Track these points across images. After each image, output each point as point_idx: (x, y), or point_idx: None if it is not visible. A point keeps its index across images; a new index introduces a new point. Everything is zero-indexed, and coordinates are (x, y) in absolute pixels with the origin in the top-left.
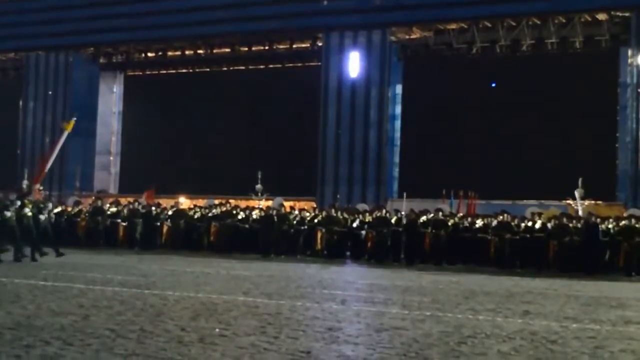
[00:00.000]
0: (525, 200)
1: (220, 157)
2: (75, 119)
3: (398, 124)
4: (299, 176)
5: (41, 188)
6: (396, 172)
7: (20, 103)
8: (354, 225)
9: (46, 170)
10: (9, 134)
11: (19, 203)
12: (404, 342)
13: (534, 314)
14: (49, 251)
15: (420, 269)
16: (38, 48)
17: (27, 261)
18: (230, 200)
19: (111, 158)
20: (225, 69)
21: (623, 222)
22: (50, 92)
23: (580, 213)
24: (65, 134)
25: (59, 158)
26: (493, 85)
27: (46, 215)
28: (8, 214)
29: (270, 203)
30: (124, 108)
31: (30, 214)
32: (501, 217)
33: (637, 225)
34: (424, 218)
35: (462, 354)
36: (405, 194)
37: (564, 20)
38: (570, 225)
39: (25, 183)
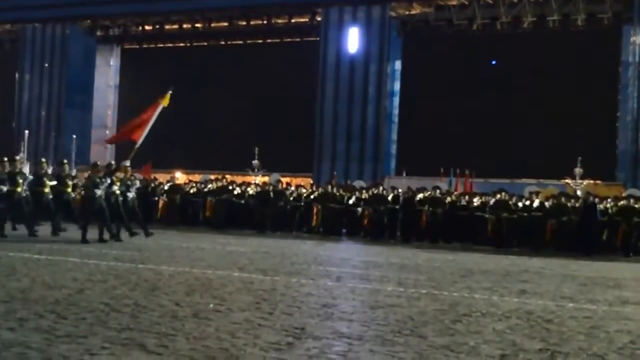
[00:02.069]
0: (523, 179)
1: (217, 132)
2: (171, 91)
3: (397, 100)
4: (296, 152)
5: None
6: (394, 149)
7: (16, 75)
8: (351, 202)
9: (137, 146)
10: (4, 106)
11: (108, 181)
12: (399, 319)
13: (530, 293)
14: (139, 231)
15: (416, 247)
16: (34, 20)
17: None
18: (227, 176)
19: (107, 132)
20: (223, 43)
21: (622, 202)
22: (46, 65)
23: (578, 192)
24: (160, 107)
25: (56, 131)
26: (493, 62)
27: (134, 194)
28: (98, 192)
29: (266, 179)
30: (120, 81)
31: (118, 192)
32: (499, 195)
33: (635, 206)
34: (420, 196)
35: (457, 332)
36: (405, 172)
37: None
38: (569, 204)
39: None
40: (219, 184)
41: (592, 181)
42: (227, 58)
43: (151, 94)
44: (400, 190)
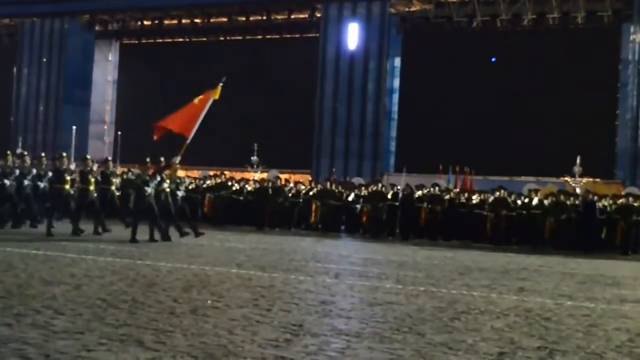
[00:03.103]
0: (523, 177)
1: (216, 128)
2: (222, 83)
3: (396, 97)
4: (295, 149)
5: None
6: (393, 146)
7: (15, 70)
8: (350, 199)
9: (188, 141)
10: (2, 101)
11: (158, 178)
12: (397, 316)
13: (529, 290)
14: (189, 231)
15: (415, 244)
16: (33, 14)
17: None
18: (225, 172)
19: (105, 127)
20: (222, 38)
21: (621, 201)
22: (44, 59)
23: (577, 190)
24: (211, 100)
25: (53, 126)
26: (493, 60)
27: (183, 192)
28: (148, 189)
29: (265, 175)
30: (119, 77)
31: (168, 189)
32: (498, 193)
33: (634, 204)
34: (420, 193)
35: (455, 329)
36: (405, 169)
37: None
38: (568, 202)
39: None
40: (218, 180)
41: (591, 179)
42: (227, 53)
43: (150, 88)
44: (398, 187)
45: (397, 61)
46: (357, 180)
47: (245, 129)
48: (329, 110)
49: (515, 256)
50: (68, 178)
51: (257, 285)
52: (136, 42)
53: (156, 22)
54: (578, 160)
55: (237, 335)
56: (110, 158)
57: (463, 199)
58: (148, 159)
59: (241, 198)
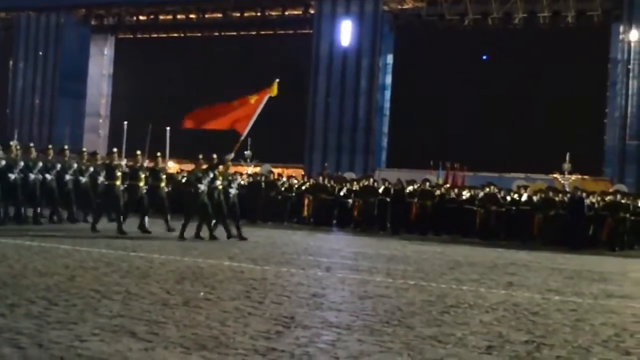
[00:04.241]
0: (512, 173)
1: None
2: (278, 80)
3: (388, 93)
4: (288, 143)
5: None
6: (385, 141)
7: (10, 63)
8: (341, 193)
9: (242, 138)
10: None
11: (211, 175)
12: (387, 310)
13: (517, 285)
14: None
15: (405, 239)
16: (29, 8)
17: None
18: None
19: (100, 120)
20: (216, 34)
21: (609, 198)
22: (40, 53)
23: (566, 187)
24: (267, 97)
25: (48, 119)
26: (484, 58)
27: (236, 189)
28: (202, 187)
29: (258, 169)
30: (114, 71)
31: (221, 187)
32: (488, 189)
33: (622, 201)
34: (410, 188)
35: (444, 323)
36: (395, 163)
37: None
38: (556, 199)
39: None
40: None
41: (580, 176)
42: (221, 49)
43: (145, 82)
44: (388, 182)
45: (390, 58)
46: (349, 175)
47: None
48: (322, 105)
49: (504, 251)
50: (119, 174)
51: (249, 277)
52: (131, 36)
53: (151, 17)
54: (567, 158)
55: (229, 326)
56: (159, 154)
57: (453, 195)
58: (200, 156)
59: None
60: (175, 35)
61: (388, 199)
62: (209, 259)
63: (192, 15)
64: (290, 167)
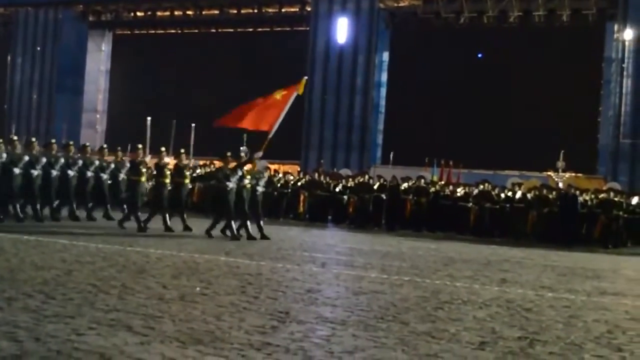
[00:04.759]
0: (507, 171)
1: (205, 118)
2: (306, 77)
3: (383, 91)
4: (284, 140)
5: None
6: (380, 139)
7: (9, 58)
8: (337, 189)
9: (270, 135)
10: None
11: (239, 173)
12: (382, 305)
13: (511, 282)
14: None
15: (400, 235)
16: (27, 4)
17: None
18: (215, 162)
19: (98, 116)
20: (213, 30)
21: (602, 195)
22: (38, 49)
23: (560, 185)
24: (294, 95)
25: (46, 114)
26: (479, 56)
27: (263, 188)
28: (230, 185)
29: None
30: (111, 66)
31: (249, 185)
32: (482, 186)
33: (615, 199)
34: (405, 185)
35: (438, 318)
36: (391, 159)
37: None
38: (550, 196)
39: (244, 150)
40: (207, 169)
41: (573, 174)
42: (218, 45)
43: (142, 78)
44: (383, 179)
45: (385, 55)
46: (344, 171)
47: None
48: (318, 102)
49: (498, 248)
50: (144, 170)
51: (245, 273)
52: (129, 32)
53: (149, 13)
54: (561, 156)
55: (224, 321)
56: (183, 150)
57: (448, 192)
58: (229, 153)
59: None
60: (173, 31)
61: (383, 196)
62: (205, 254)
63: (189, 12)
64: (286, 164)
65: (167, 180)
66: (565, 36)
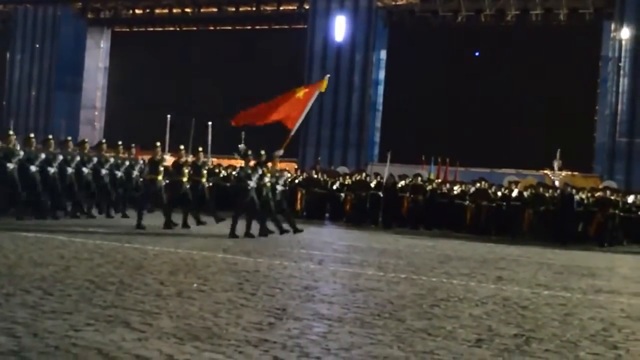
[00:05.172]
0: (503, 169)
1: (203, 116)
2: (328, 75)
3: (381, 89)
4: (281, 137)
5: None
6: (377, 136)
7: (8, 55)
8: (334, 187)
9: (292, 133)
10: None
11: (260, 172)
12: (378, 302)
13: (507, 280)
14: (288, 228)
15: (397, 233)
16: (26, 1)
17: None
18: (213, 159)
19: (96, 113)
20: (211, 28)
21: (598, 194)
22: (37, 45)
23: (556, 183)
24: (317, 93)
25: (44, 111)
26: (477, 54)
27: (283, 186)
28: (251, 183)
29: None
30: (110, 64)
31: (269, 184)
32: (479, 184)
33: (611, 197)
34: (402, 183)
35: (434, 316)
36: (389, 157)
37: None
38: (547, 194)
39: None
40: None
41: (570, 172)
42: (216, 43)
43: (141, 76)
44: (380, 176)
45: (383, 53)
46: (341, 169)
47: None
48: (316, 100)
49: (494, 246)
50: (161, 169)
51: (242, 269)
52: (127, 30)
53: (147, 10)
54: (558, 154)
55: (221, 318)
56: (201, 149)
57: (444, 190)
58: (249, 152)
59: (228, 184)
60: (171, 29)
61: (380, 193)
62: (203, 250)
63: (187, 10)
64: (283, 161)
65: (185, 179)
66: (562, 35)
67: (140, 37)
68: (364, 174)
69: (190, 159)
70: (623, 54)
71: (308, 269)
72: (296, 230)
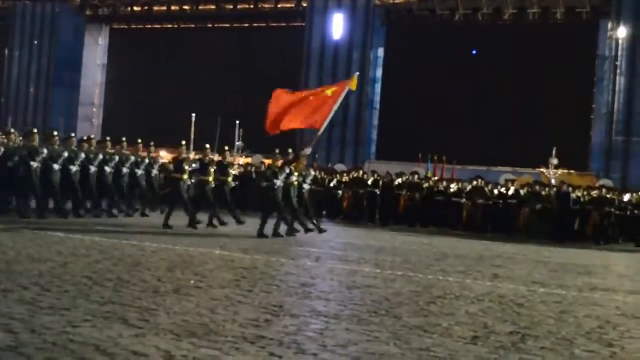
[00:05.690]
0: (500, 167)
1: (201, 113)
2: (358, 73)
3: (378, 87)
4: (280, 135)
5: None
6: (375, 134)
7: (6, 51)
8: (332, 185)
9: (320, 133)
10: None
11: (287, 171)
12: (375, 300)
13: (503, 277)
14: (312, 227)
15: (394, 230)
16: None
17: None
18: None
19: (94, 110)
20: (210, 26)
21: (594, 192)
22: (36, 42)
23: (553, 182)
24: (346, 91)
25: (43, 108)
26: (474, 52)
27: (309, 185)
28: (278, 182)
29: (250, 160)
30: (108, 61)
31: (296, 183)
32: (475, 182)
33: (607, 196)
34: (399, 181)
35: (431, 313)
36: (384, 156)
37: None
38: (543, 193)
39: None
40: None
41: (566, 171)
42: (214, 41)
43: (139, 73)
44: (377, 174)
45: (381, 52)
46: (339, 167)
47: (230, 115)
48: None
49: (491, 244)
50: (187, 168)
51: (240, 266)
52: (126, 27)
53: (146, 8)
54: (554, 153)
55: (219, 314)
56: (227, 148)
57: (441, 187)
58: (277, 151)
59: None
60: (169, 26)
61: (377, 191)
62: (200, 247)
63: (185, 7)
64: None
65: (211, 179)
66: (559, 34)
67: (139, 34)
68: (361, 172)
69: (217, 158)
70: (620, 53)
71: (305, 266)
72: (321, 230)
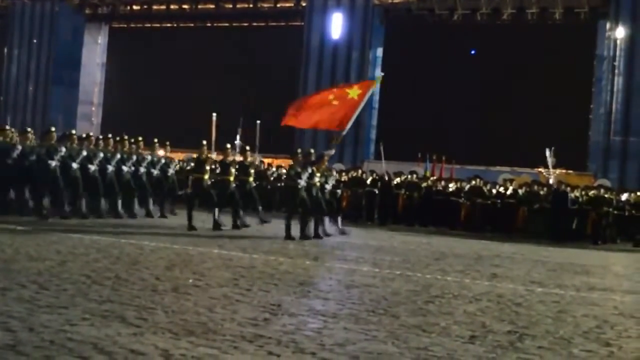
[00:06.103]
0: (498, 167)
1: (201, 112)
2: (382, 74)
3: (377, 86)
4: (279, 134)
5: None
6: (373, 134)
7: (5, 50)
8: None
9: (343, 133)
10: None
11: (309, 171)
12: (373, 299)
13: (501, 277)
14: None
15: (392, 229)
16: None
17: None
18: (209, 155)
19: (93, 108)
20: (209, 25)
21: (592, 192)
22: (35, 41)
23: (551, 181)
24: (371, 91)
25: (42, 106)
26: (473, 52)
27: (331, 186)
28: (301, 182)
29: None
30: (107, 60)
31: (319, 184)
32: (474, 182)
33: (605, 196)
34: (398, 180)
35: (429, 312)
36: (383, 155)
37: None
38: (541, 192)
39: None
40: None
41: (564, 171)
42: (213, 40)
43: (138, 72)
44: (376, 174)
45: (380, 51)
46: (338, 166)
47: (229, 114)
48: None
49: (489, 243)
50: (208, 168)
51: (238, 265)
52: (125, 26)
53: (145, 7)
54: (552, 152)
55: (217, 313)
56: (248, 148)
57: (440, 187)
58: (299, 151)
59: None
60: (168, 25)
61: (376, 190)
62: (199, 246)
63: (185, 6)
64: (280, 158)
65: (232, 178)
66: (557, 34)
67: (138, 33)
68: (360, 171)
69: (238, 158)
70: (618, 53)
71: (303, 265)
72: (342, 232)
